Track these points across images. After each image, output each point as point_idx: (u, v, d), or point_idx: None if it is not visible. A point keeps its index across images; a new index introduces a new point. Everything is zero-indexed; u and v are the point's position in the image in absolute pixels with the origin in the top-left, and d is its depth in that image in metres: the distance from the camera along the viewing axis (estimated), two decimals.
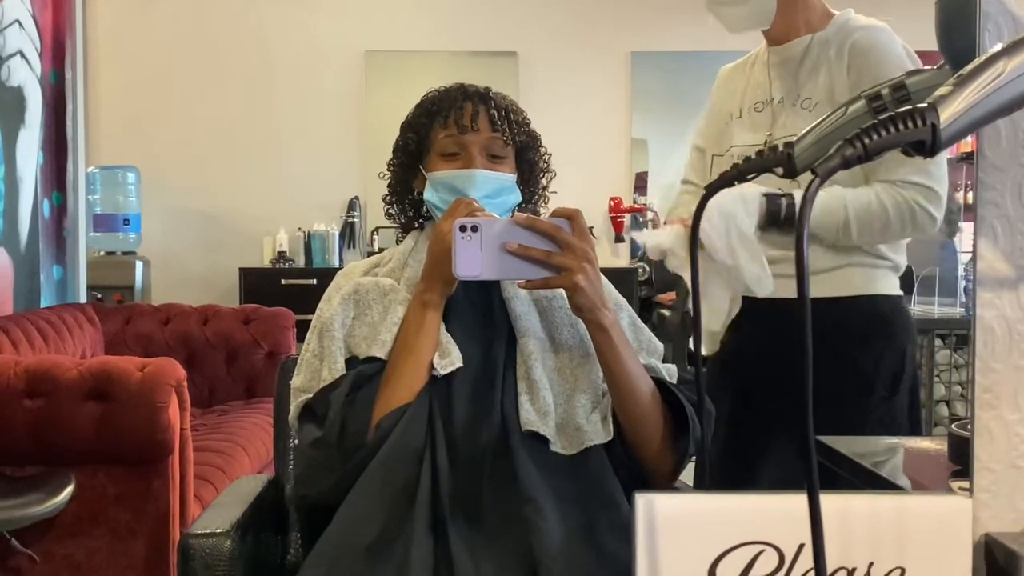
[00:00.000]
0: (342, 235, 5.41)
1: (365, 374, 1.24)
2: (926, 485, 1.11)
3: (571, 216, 1.17)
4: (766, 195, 1.60)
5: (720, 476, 1.71)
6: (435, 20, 5.45)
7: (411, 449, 1.19)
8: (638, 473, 1.25)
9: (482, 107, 1.32)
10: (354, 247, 5.46)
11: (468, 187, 1.29)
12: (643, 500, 0.70)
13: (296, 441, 1.35)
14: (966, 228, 4.64)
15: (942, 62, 1.08)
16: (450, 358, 1.23)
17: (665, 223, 1.67)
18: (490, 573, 1.10)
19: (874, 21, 1.71)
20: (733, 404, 1.74)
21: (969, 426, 0.84)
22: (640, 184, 5.60)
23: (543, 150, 1.41)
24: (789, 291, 1.68)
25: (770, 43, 1.80)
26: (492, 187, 1.30)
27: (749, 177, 0.93)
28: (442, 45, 5.41)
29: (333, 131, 5.44)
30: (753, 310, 1.63)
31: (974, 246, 0.84)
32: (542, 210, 1.44)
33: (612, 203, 5.49)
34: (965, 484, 0.85)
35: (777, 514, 0.70)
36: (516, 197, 1.34)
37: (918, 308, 3.51)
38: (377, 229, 5.34)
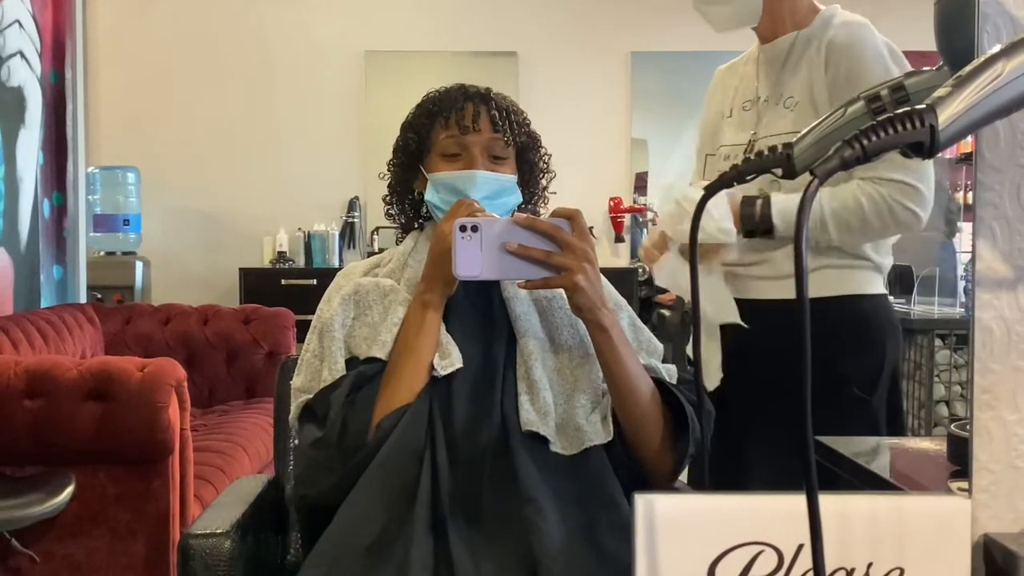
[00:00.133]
0: (342, 235, 5.41)
1: (365, 374, 1.24)
2: (925, 485, 1.11)
3: (571, 216, 1.17)
4: (743, 199, 1.61)
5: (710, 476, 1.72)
6: (435, 20, 5.45)
7: (411, 449, 1.19)
8: (638, 473, 1.25)
9: (483, 108, 1.32)
10: (354, 247, 5.46)
11: (469, 188, 1.29)
12: (643, 500, 0.70)
13: (296, 441, 1.35)
14: (966, 228, 4.65)
15: (941, 63, 1.08)
16: (450, 358, 1.23)
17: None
18: (490, 573, 1.10)
19: (855, 17, 1.69)
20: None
21: (968, 426, 0.85)
22: (640, 184, 5.59)
23: (543, 151, 1.41)
24: (766, 292, 1.69)
25: (760, 41, 1.80)
26: (493, 188, 1.30)
27: (749, 177, 0.93)
28: (442, 45, 5.40)
29: (333, 131, 5.44)
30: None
31: (973, 247, 0.84)
32: (542, 210, 1.44)
33: (612, 203, 5.49)
34: (964, 484, 0.85)
35: (776, 514, 0.70)
36: (517, 198, 1.34)
37: (918, 308, 3.51)
38: (377, 229, 5.34)
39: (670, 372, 1.32)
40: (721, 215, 1.55)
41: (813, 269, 1.64)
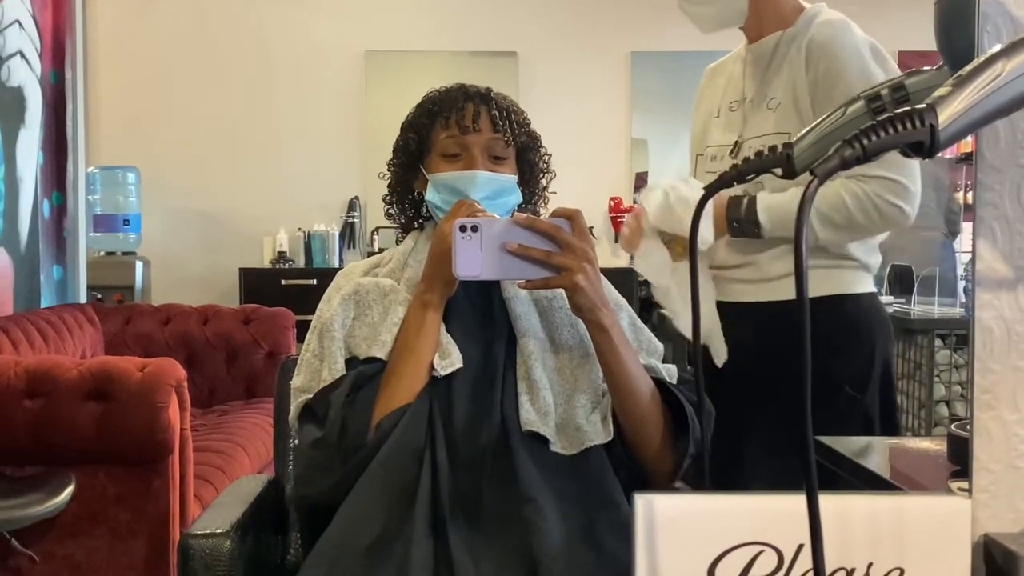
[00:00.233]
0: (342, 235, 5.41)
1: (365, 374, 1.24)
2: (925, 485, 1.11)
3: (571, 216, 1.17)
4: (730, 200, 1.61)
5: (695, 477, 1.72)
6: (435, 20, 5.45)
7: (411, 449, 1.19)
8: (638, 473, 1.25)
9: (483, 108, 1.32)
10: (354, 247, 5.46)
11: (469, 188, 1.29)
12: (643, 500, 0.70)
13: (296, 441, 1.35)
14: (966, 228, 4.65)
15: (941, 63, 1.08)
16: (450, 359, 1.23)
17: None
18: (490, 573, 1.10)
19: (835, 15, 1.68)
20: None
21: (968, 426, 0.84)
22: (640, 184, 5.59)
23: (543, 150, 1.41)
24: (750, 295, 1.69)
25: (747, 40, 1.79)
26: (493, 188, 1.30)
27: (749, 178, 0.93)
28: (442, 45, 5.41)
29: (333, 131, 5.44)
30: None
31: (973, 246, 0.84)
32: (542, 210, 1.44)
33: (612, 203, 5.46)
34: (964, 484, 0.85)
35: (776, 514, 0.70)
36: (517, 198, 1.34)
37: (918, 308, 3.51)
38: (377, 229, 5.34)
39: (670, 372, 1.31)
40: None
41: (792, 273, 1.64)
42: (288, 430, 1.51)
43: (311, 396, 1.25)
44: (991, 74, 0.68)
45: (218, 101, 5.38)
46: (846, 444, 1.25)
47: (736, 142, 1.73)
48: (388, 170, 1.42)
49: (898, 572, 0.70)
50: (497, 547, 1.13)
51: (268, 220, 5.36)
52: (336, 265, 5.27)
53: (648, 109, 5.57)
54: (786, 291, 1.65)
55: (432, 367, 1.23)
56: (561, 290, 1.24)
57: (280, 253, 5.25)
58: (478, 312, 1.31)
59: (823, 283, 1.65)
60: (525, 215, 1.20)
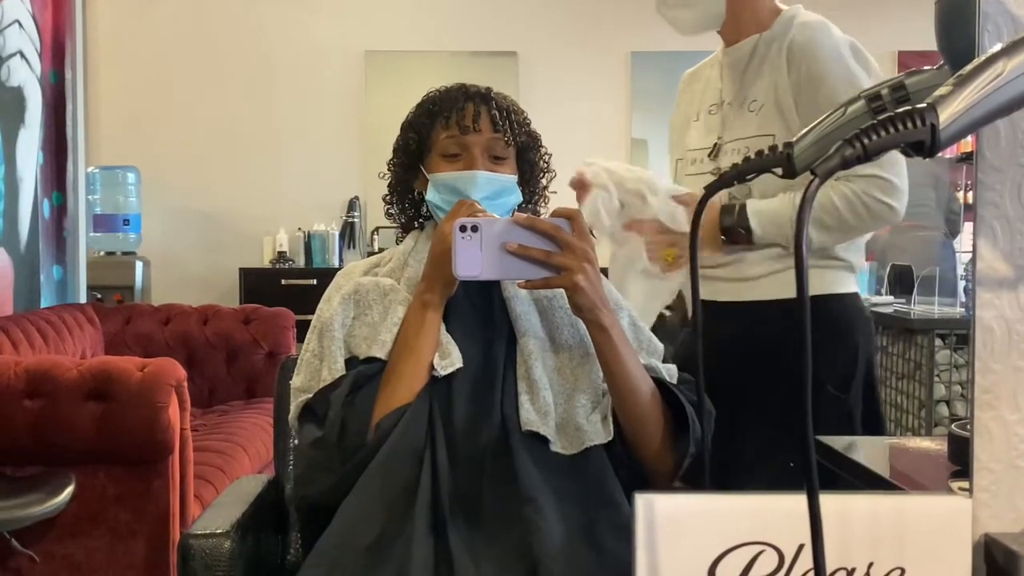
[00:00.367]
0: (342, 235, 5.41)
1: (365, 374, 1.24)
2: (926, 485, 1.11)
3: (571, 216, 1.17)
4: (722, 208, 1.62)
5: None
6: (435, 20, 5.45)
7: (411, 449, 1.19)
8: (638, 473, 1.25)
9: (484, 108, 1.32)
10: (354, 247, 5.46)
11: (470, 188, 1.29)
12: (643, 500, 0.70)
13: (296, 441, 1.35)
14: (966, 228, 4.64)
15: (941, 62, 1.08)
16: (450, 358, 1.23)
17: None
18: (490, 573, 1.10)
19: (813, 16, 1.68)
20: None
21: (969, 426, 0.84)
22: None
23: (543, 150, 1.41)
24: (733, 295, 1.69)
25: (724, 44, 1.80)
26: (493, 188, 1.30)
27: (748, 178, 0.93)
28: (442, 45, 5.41)
29: (333, 131, 5.44)
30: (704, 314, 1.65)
31: (973, 246, 0.84)
32: (542, 210, 1.44)
33: None
34: (965, 484, 0.85)
35: (777, 514, 0.70)
36: (517, 198, 1.34)
37: (918, 308, 3.51)
38: (377, 229, 5.34)
39: (670, 372, 1.31)
40: (666, 189, 1.58)
41: (784, 270, 1.65)
42: (288, 430, 1.50)
43: (311, 396, 1.25)
44: (992, 73, 0.68)
45: (218, 101, 5.38)
46: (846, 444, 1.25)
47: (716, 144, 1.74)
48: (388, 170, 1.42)
49: (899, 572, 0.70)
50: (497, 547, 1.13)
51: (268, 220, 5.36)
52: (336, 265, 5.27)
53: (648, 109, 5.57)
54: (768, 291, 1.65)
55: (432, 367, 1.23)
56: (561, 290, 1.24)
57: (280, 253, 5.25)
58: (478, 312, 1.31)
59: (810, 283, 1.65)
60: (525, 215, 1.20)
